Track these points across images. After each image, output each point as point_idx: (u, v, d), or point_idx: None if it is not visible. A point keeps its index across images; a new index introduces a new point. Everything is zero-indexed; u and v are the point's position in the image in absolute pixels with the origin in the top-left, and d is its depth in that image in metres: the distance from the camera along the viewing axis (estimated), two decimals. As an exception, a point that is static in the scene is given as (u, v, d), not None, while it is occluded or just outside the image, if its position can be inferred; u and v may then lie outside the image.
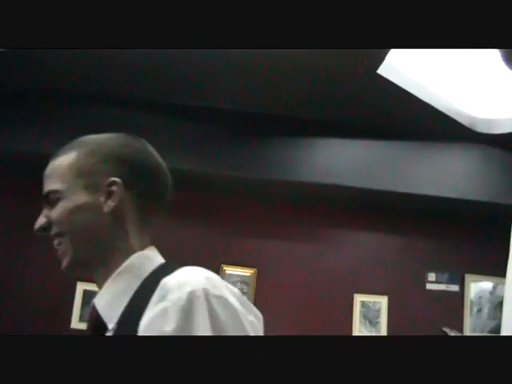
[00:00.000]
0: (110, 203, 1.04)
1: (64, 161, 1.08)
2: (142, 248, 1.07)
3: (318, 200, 3.70)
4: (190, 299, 0.85)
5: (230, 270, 3.65)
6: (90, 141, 1.10)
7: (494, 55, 2.75)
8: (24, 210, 3.82)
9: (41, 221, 1.07)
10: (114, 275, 1.03)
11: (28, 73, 3.17)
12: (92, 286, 3.78)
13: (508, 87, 3.04)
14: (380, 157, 3.48)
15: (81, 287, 3.72)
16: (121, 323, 0.97)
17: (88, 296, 3.71)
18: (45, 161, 1.10)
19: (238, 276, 3.64)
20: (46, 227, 1.06)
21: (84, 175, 1.06)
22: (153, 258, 1.07)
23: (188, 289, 0.87)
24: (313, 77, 2.91)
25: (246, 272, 3.63)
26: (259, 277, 3.69)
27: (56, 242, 1.06)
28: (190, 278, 0.90)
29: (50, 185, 1.07)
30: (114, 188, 1.05)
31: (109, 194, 1.05)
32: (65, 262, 1.05)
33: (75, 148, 1.09)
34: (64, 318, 3.66)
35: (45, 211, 1.08)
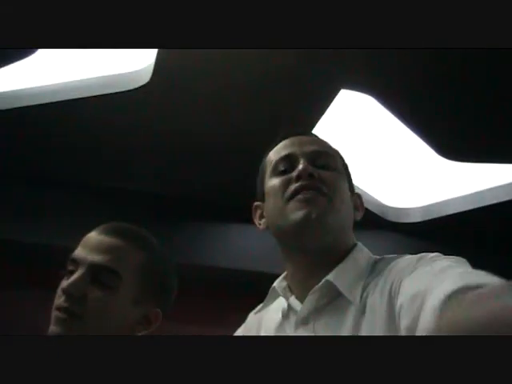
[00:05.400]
0: None
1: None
2: None
3: (232, 285, 3.70)
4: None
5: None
6: None
7: (405, 146, 2.92)
8: None
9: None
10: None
11: None
12: None
13: (418, 177, 3.21)
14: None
15: None
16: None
17: None
18: None
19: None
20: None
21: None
22: None
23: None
24: (231, 163, 2.98)
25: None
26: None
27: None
28: None
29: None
30: None
31: None
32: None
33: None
34: None
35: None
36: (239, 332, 1.28)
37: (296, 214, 1.04)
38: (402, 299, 0.89)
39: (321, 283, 1.04)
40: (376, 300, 0.99)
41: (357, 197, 1.18)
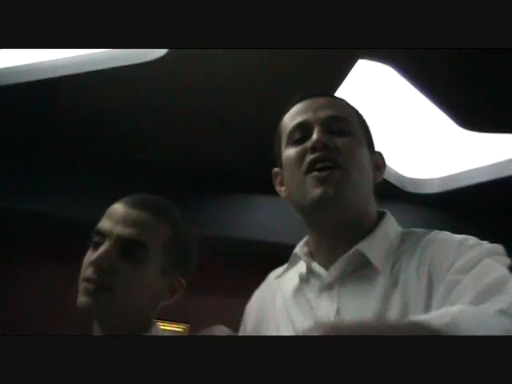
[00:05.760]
0: None
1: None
2: None
3: (254, 256, 3.73)
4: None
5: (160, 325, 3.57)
6: None
7: (424, 116, 2.89)
8: None
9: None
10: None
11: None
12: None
13: (437, 147, 3.19)
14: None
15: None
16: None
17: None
18: None
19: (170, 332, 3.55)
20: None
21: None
22: None
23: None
24: (249, 135, 2.98)
25: (178, 328, 3.58)
26: (192, 333, 3.65)
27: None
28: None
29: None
30: None
31: None
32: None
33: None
34: None
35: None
36: (256, 295, 1.31)
37: (313, 191, 1.03)
38: (454, 296, 0.89)
39: (351, 252, 1.06)
40: (411, 276, 0.99)
41: (378, 155, 1.16)
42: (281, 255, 1.26)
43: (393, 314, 0.97)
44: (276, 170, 1.18)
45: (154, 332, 1.12)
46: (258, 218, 3.51)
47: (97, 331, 1.09)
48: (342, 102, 1.15)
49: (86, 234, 1.11)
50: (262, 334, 1.18)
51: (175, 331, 3.56)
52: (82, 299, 1.03)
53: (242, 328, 1.29)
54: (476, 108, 2.66)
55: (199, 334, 1.10)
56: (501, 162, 3.14)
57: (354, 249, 1.05)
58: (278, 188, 1.19)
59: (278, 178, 1.18)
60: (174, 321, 3.54)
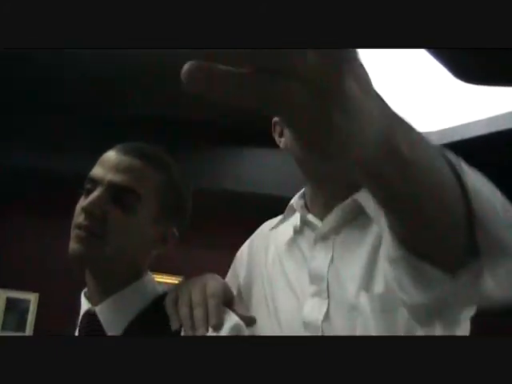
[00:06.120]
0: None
1: None
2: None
3: (249, 209, 3.74)
4: None
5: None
6: None
7: (421, 68, 2.86)
8: None
9: None
10: None
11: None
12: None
13: (434, 100, 3.16)
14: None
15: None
16: None
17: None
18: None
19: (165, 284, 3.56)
20: None
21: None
22: None
23: None
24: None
25: (172, 280, 3.61)
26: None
27: None
28: None
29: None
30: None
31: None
32: None
33: None
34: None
35: None
36: (248, 242, 1.32)
37: None
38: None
39: (347, 201, 1.08)
40: None
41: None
42: (276, 208, 1.25)
43: (384, 260, 0.98)
44: (276, 119, 1.16)
45: (146, 281, 1.12)
46: (254, 171, 3.50)
47: (88, 279, 1.09)
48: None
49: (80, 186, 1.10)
50: (251, 284, 1.19)
51: (169, 283, 3.59)
52: (72, 246, 1.02)
53: (230, 272, 1.29)
54: (475, 59, 2.62)
55: (192, 281, 1.09)
56: (500, 115, 3.11)
57: (350, 198, 1.07)
58: (276, 138, 1.17)
59: (278, 129, 1.16)
60: (168, 273, 3.56)
